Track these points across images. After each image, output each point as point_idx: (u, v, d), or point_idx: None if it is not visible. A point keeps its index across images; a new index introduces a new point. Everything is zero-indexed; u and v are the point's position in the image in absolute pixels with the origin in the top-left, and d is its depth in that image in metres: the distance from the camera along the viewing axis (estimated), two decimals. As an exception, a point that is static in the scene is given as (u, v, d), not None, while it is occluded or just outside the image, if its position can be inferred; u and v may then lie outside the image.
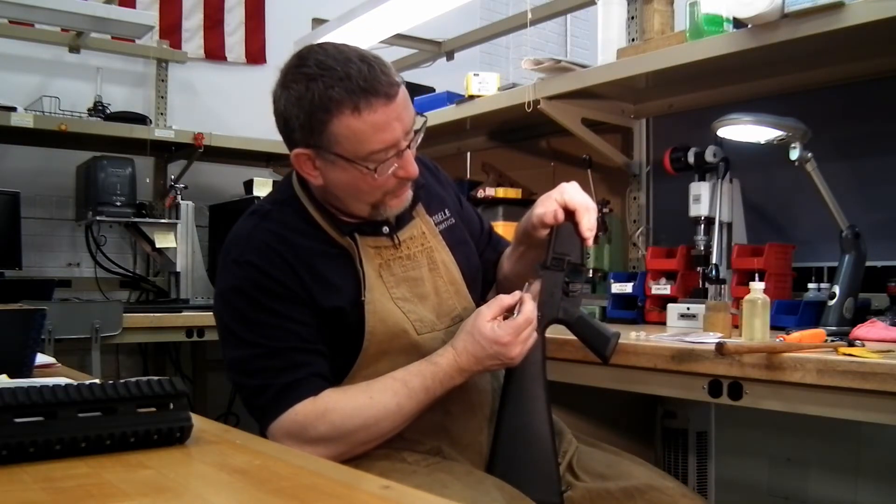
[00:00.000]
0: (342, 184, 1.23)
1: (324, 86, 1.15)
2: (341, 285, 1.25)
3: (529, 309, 1.23)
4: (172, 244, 3.26)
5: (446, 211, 1.41)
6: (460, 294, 1.35)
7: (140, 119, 3.40)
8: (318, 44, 1.22)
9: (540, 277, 1.29)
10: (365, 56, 1.18)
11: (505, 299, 1.25)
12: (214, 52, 3.91)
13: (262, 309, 1.21)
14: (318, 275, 1.24)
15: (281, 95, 1.20)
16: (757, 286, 1.51)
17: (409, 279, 1.30)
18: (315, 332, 1.23)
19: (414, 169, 1.23)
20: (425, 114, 1.34)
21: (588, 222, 1.27)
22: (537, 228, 1.29)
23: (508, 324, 1.21)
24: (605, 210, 2.48)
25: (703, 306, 1.82)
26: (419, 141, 1.25)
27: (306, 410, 1.19)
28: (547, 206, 1.27)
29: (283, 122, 1.22)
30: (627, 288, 2.21)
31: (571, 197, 1.27)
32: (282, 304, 1.22)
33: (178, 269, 3.28)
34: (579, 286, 1.31)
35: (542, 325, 1.28)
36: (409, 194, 1.29)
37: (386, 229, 1.30)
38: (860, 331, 1.57)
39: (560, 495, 1.26)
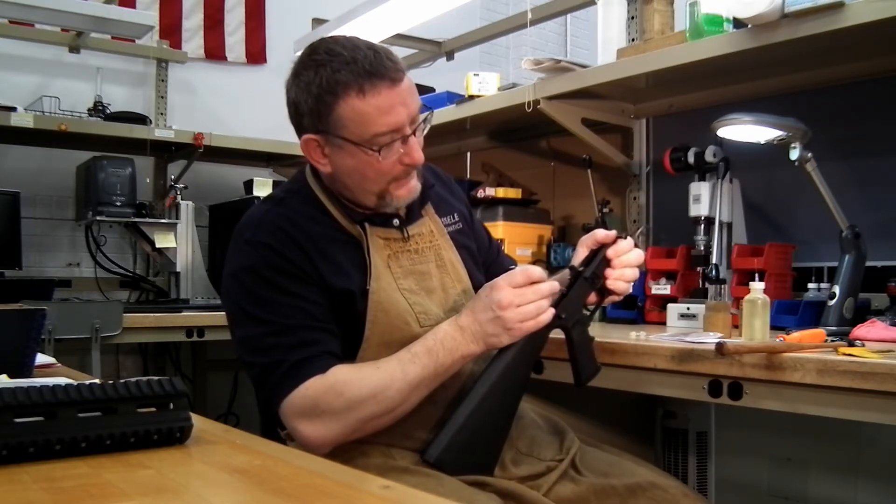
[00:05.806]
0: (349, 169, 1.25)
1: (331, 70, 1.19)
2: (350, 271, 1.26)
3: (549, 286, 1.23)
4: (172, 244, 3.25)
5: (455, 216, 1.43)
6: (468, 294, 1.35)
7: (140, 119, 3.40)
8: (331, 35, 1.27)
9: (571, 279, 1.32)
10: (373, 45, 1.23)
11: (532, 271, 1.23)
12: (214, 52, 3.91)
13: (273, 287, 1.22)
14: (328, 258, 1.25)
15: (292, 85, 1.25)
16: (757, 286, 1.51)
17: (416, 272, 1.32)
18: (326, 312, 1.24)
19: (419, 156, 1.25)
20: (429, 111, 1.36)
21: (623, 277, 1.33)
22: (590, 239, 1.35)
23: (515, 286, 1.20)
24: (606, 210, 2.47)
25: (703, 306, 1.82)
26: (426, 130, 1.27)
27: (316, 385, 1.18)
28: (609, 233, 1.34)
29: (294, 108, 1.26)
30: (627, 288, 2.20)
31: (628, 258, 1.34)
32: (293, 282, 1.23)
33: (178, 269, 3.28)
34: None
35: (552, 324, 1.28)
36: (415, 184, 1.30)
37: (396, 221, 1.32)
38: (860, 331, 1.57)
39: (439, 458, 1.20)
